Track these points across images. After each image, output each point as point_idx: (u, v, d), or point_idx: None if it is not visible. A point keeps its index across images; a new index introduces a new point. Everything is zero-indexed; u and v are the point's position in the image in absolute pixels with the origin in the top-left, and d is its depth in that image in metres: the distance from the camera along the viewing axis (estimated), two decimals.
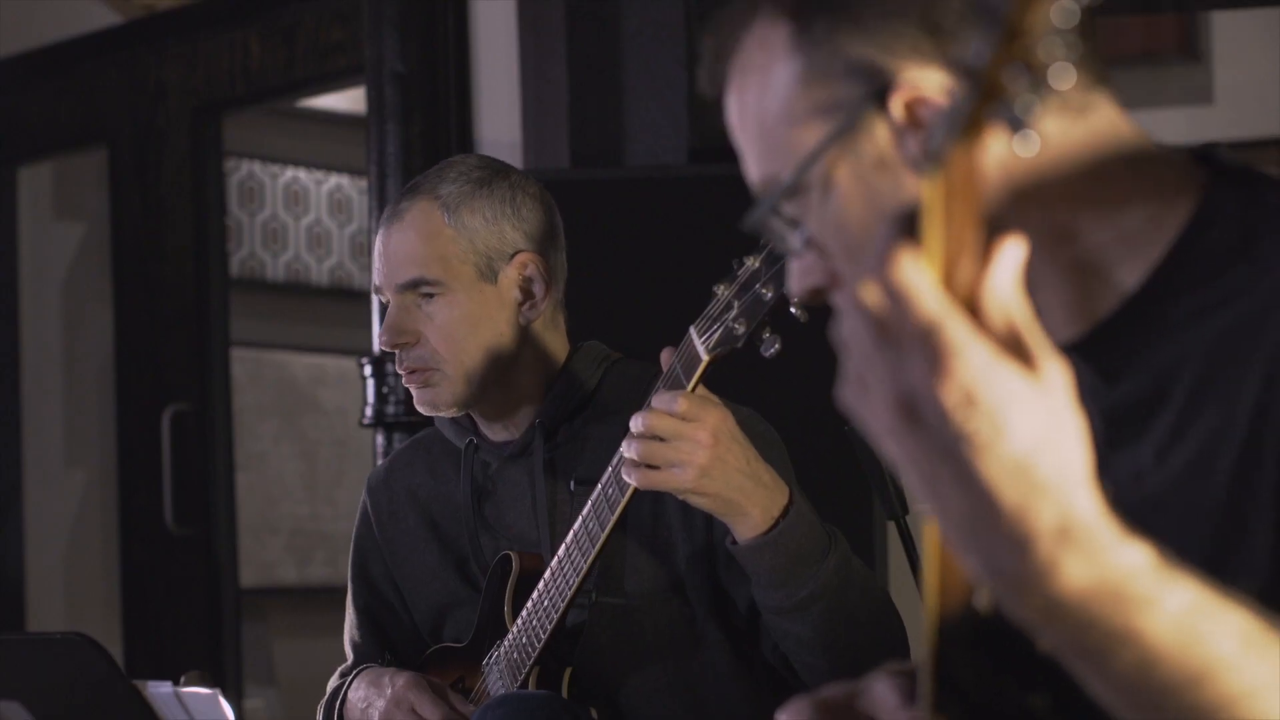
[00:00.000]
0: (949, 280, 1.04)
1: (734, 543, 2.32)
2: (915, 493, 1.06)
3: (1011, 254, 1.05)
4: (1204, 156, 1.31)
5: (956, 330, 1.02)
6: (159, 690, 2.37)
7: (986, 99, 1.01)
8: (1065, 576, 1.04)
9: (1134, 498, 1.26)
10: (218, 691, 2.39)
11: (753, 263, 2.19)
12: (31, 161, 5.39)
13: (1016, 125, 1.01)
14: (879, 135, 1.27)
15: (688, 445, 2.23)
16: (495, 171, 2.57)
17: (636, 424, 2.25)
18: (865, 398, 1.05)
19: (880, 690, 1.30)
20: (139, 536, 4.96)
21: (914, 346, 1.02)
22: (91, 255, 5.36)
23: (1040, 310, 1.30)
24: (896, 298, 1.02)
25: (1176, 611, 1.06)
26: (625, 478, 2.28)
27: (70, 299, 5.46)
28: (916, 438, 1.03)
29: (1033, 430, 1.02)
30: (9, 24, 5.19)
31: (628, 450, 2.26)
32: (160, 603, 4.91)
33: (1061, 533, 1.03)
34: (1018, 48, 1.00)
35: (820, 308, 1.33)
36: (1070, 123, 1.27)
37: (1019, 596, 1.06)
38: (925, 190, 1.04)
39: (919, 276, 1.02)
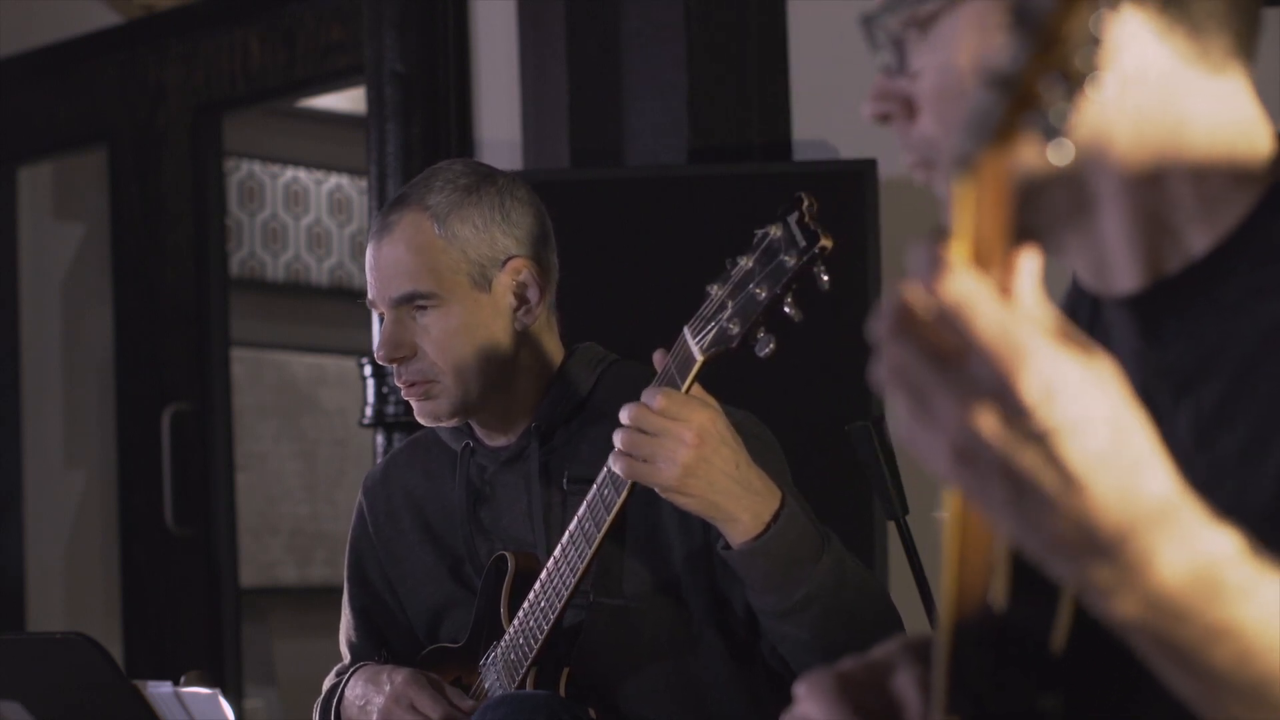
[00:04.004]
0: None
1: (726, 547, 2.32)
2: (994, 521, 1.04)
3: (1029, 263, 1.04)
4: None
5: (1019, 327, 1.01)
6: (159, 690, 2.37)
7: (1020, 106, 1.01)
8: (1163, 565, 1.03)
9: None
10: (218, 691, 2.39)
11: (746, 262, 2.17)
12: (31, 161, 5.39)
13: (1050, 134, 1.00)
14: None
15: (671, 441, 2.22)
16: (483, 177, 2.56)
17: (624, 415, 2.25)
18: (930, 428, 1.04)
19: (903, 684, 1.30)
20: (139, 536, 4.96)
21: (979, 356, 1.01)
22: (91, 255, 5.36)
23: (1106, 253, 1.29)
24: (954, 309, 1.01)
25: (1272, 600, 1.05)
26: (611, 465, 2.28)
27: (70, 299, 5.46)
28: (1000, 446, 1.02)
29: (1109, 416, 1.02)
30: (9, 24, 5.18)
31: (616, 440, 2.26)
32: (160, 603, 4.91)
33: (1160, 515, 1.03)
34: (1055, 56, 1.00)
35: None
36: (1203, 76, 1.27)
37: (1117, 596, 1.05)
38: (955, 196, 1.04)
39: (971, 284, 1.01)
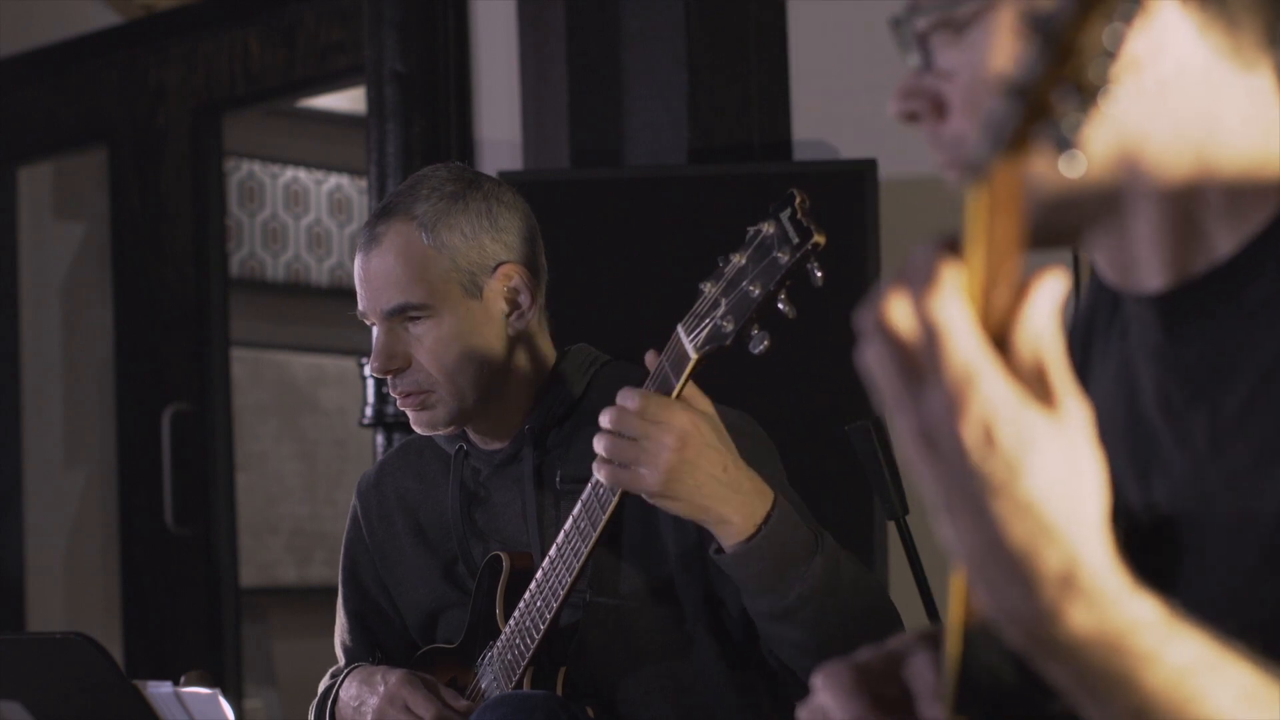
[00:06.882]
0: (983, 305, 1.03)
1: (718, 550, 2.30)
2: (938, 513, 1.06)
3: (1052, 288, 1.04)
4: None
5: (982, 368, 1.02)
6: (159, 690, 2.37)
7: (1034, 117, 1.01)
8: (1068, 622, 1.05)
9: (1190, 492, 1.26)
10: (218, 691, 2.39)
11: (739, 259, 2.16)
12: (31, 161, 5.39)
13: (1063, 145, 1.01)
14: None
15: (652, 445, 2.20)
16: (468, 184, 2.55)
17: (604, 420, 2.24)
18: (898, 419, 1.06)
19: (920, 665, 1.30)
20: (139, 536, 4.96)
21: (937, 381, 1.02)
22: (91, 255, 5.36)
23: (1132, 253, 1.29)
24: (930, 331, 1.02)
25: (1177, 666, 1.06)
26: (595, 473, 2.26)
27: (70, 299, 5.46)
28: (934, 467, 1.04)
29: (1049, 474, 1.03)
30: (9, 24, 5.19)
31: (597, 445, 2.24)
32: (160, 603, 4.91)
33: (1066, 580, 1.04)
34: (1069, 68, 1.00)
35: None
36: (1236, 72, 1.26)
37: (1022, 633, 1.06)
38: (967, 205, 1.04)
39: (955, 312, 1.02)
